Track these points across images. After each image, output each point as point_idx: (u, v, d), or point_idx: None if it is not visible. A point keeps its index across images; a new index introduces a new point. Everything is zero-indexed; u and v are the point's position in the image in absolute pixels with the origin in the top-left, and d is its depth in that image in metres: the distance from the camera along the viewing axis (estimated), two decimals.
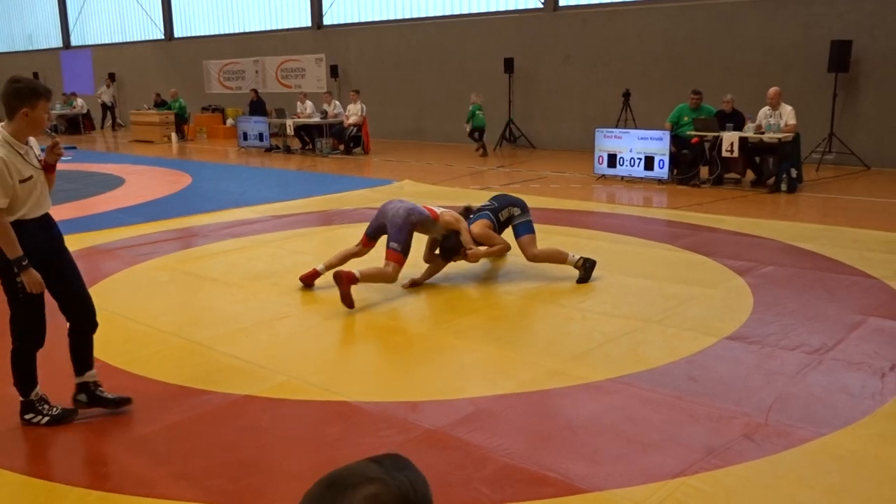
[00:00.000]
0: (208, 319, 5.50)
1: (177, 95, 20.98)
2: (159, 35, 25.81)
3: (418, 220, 5.98)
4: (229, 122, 21.70)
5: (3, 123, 3.51)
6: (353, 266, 5.81)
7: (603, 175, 12.19)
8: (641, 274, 6.44)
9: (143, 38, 26.49)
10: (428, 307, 5.61)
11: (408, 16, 19.27)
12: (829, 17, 12.88)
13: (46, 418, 3.78)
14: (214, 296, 6.07)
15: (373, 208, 9.53)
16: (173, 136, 20.05)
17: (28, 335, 3.71)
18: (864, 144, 12.60)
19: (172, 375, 4.37)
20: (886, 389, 4.03)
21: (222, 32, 23.94)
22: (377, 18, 19.90)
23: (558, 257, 6.24)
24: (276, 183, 12.32)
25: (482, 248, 6.17)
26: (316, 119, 16.73)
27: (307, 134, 17.01)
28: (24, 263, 3.50)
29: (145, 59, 25.94)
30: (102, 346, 4.81)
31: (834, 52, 12.35)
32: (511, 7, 17.41)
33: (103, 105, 24.49)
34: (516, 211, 6.37)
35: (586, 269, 6.15)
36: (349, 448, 3.49)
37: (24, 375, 3.75)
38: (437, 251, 6.22)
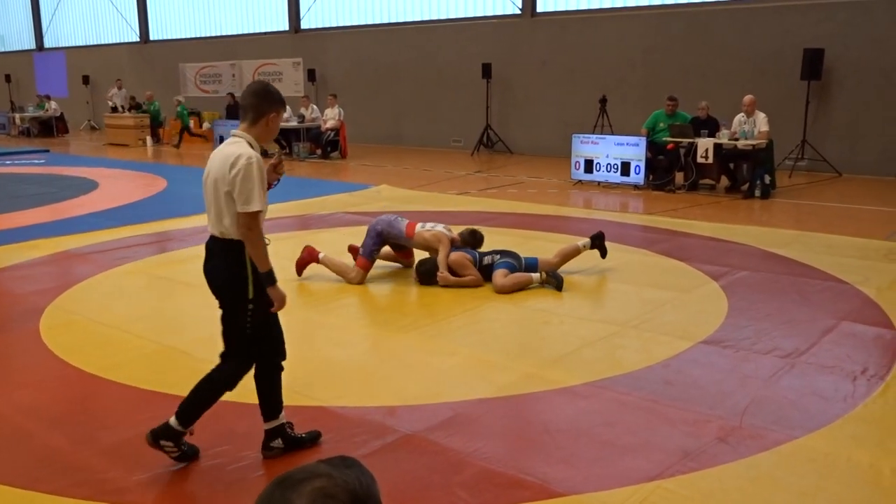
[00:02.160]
0: (184, 324, 5.45)
1: (152, 98, 20.80)
2: (134, 37, 25.60)
3: (385, 231, 6.22)
4: (206, 125, 21.54)
5: (242, 126, 3.29)
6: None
7: (580, 180, 12.26)
8: (618, 279, 6.49)
9: (117, 41, 26.26)
10: (405, 312, 5.60)
11: (386, 20, 19.28)
12: (802, 26, 13.07)
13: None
14: (190, 300, 6.02)
15: (350, 213, 9.53)
16: (148, 139, 19.87)
17: (273, 355, 3.42)
18: (836, 151, 12.79)
19: (148, 381, 4.33)
20: (858, 392, 4.09)
21: (199, 35, 23.79)
22: (355, 23, 19.88)
23: (524, 281, 6.19)
24: None
25: (452, 277, 6.15)
26: (293, 123, 16.66)
27: (284, 138, 16.92)
28: (275, 277, 3.25)
29: (120, 62, 25.70)
30: (76, 352, 4.77)
31: (807, 60, 12.53)
32: (489, 13, 17.48)
33: (114, 109, 22.66)
34: (497, 257, 6.31)
35: (556, 279, 6.15)
36: (325, 454, 3.46)
37: (273, 401, 3.45)
38: (415, 274, 6.29)
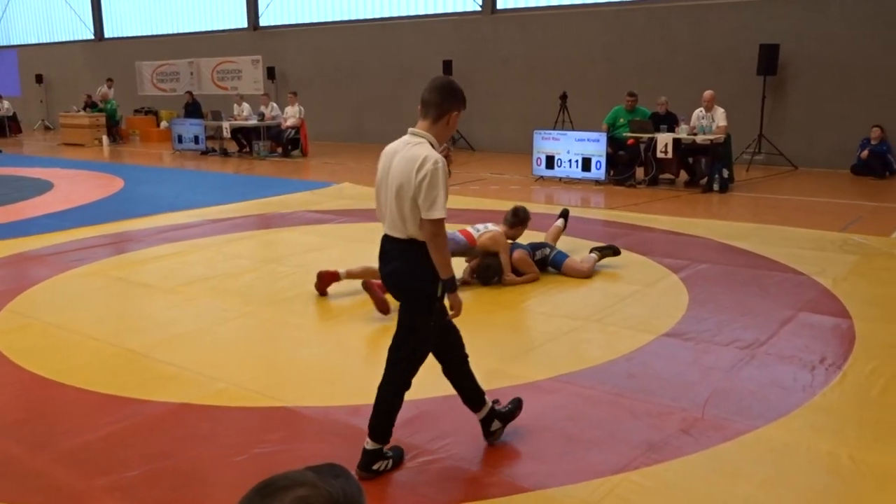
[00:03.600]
0: (143, 326, 5.35)
1: (108, 97, 20.41)
2: (89, 35, 25.10)
3: (455, 249, 5.84)
4: (163, 124, 21.22)
5: (423, 124, 3.18)
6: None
7: (541, 176, 12.31)
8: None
9: (71, 39, 25.72)
10: (366, 310, 5.57)
11: (346, 18, 19.16)
12: (757, 21, 13.28)
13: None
14: (149, 302, 5.92)
15: (312, 211, 9.46)
16: (104, 138, 19.50)
17: (457, 351, 3.43)
18: (792, 145, 13.03)
19: (106, 385, 4.24)
20: (816, 382, 4.16)
21: (155, 33, 23.41)
22: (315, 20, 19.73)
23: (594, 260, 6.54)
24: (213, 186, 12.08)
25: (517, 278, 6.22)
26: (253, 121, 16.49)
27: (244, 136, 16.75)
28: (456, 284, 3.23)
29: (74, 60, 25.19)
30: (31, 357, 4.65)
31: (763, 55, 12.75)
32: (449, 10, 17.46)
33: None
34: (548, 251, 6.54)
35: (612, 248, 6.70)
36: (290, 454, 3.43)
37: (473, 391, 3.44)
38: (475, 275, 6.24)
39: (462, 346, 3.47)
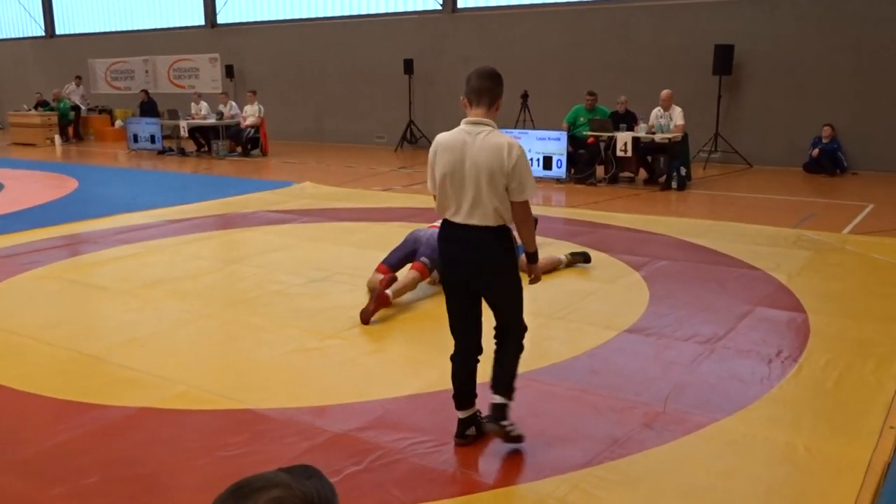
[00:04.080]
0: (100, 330, 5.25)
1: (60, 96, 19.97)
2: (39, 32, 24.51)
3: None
4: (118, 123, 20.83)
5: (479, 111, 3.31)
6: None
7: None
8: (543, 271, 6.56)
9: (21, 35, 25.09)
10: (329, 311, 5.54)
11: (305, 16, 19.01)
12: (712, 22, 13.50)
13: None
14: (106, 305, 5.81)
15: (273, 211, 9.37)
16: (57, 138, 19.09)
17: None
18: (747, 143, 13.27)
19: (62, 390, 4.15)
20: (773, 375, 4.25)
21: (109, 30, 22.96)
22: (274, 18, 19.54)
23: (555, 262, 6.58)
24: (171, 186, 11.90)
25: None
26: (211, 120, 16.27)
27: (202, 136, 16.51)
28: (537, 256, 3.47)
29: (24, 58, 24.57)
30: None
31: (718, 55, 12.96)
32: (410, 9, 17.44)
33: (74, 108, 20.34)
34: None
35: (583, 256, 6.74)
36: (254, 457, 3.40)
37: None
38: None
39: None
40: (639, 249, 7.22)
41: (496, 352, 3.47)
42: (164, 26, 21.62)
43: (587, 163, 11.69)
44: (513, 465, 3.31)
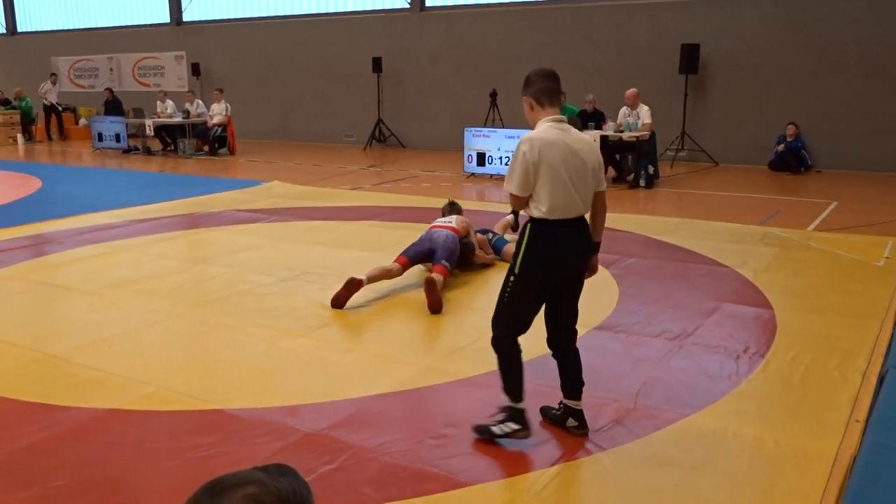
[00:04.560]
0: (66, 331, 5.16)
1: (22, 94, 19.59)
2: (1, 29, 24.03)
3: (455, 248, 6.22)
4: (82, 122, 20.50)
5: (553, 110, 3.41)
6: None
7: (473, 174, 12.39)
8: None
9: None
10: (300, 310, 5.50)
11: (272, 13, 18.87)
12: (678, 22, 13.66)
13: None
14: (72, 306, 5.71)
15: (241, 210, 9.29)
16: (19, 137, 18.73)
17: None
18: (713, 142, 13.45)
19: (28, 392, 4.07)
20: (741, 370, 4.31)
21: (72, 27, 22.58)
22: (240, 16, 19.37)
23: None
24: (137, 186, 11.74)
25: (486, 255, 6.73)
26: (178, 119, 16.08)
27: (168, 134, 16.33)
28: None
29: None
30: None
31: (684, 55, 13.11)
32: (378, 7, 17.38)
33: (49, 107, 19.57)
34: (490, 235, 7.04)
35: None
36: (225, 457, 3.36)
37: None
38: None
39: None
40: (608, 247, 7.19)
41: (576, 359, 3.63)
42: (129, 24, 21.32)
43: None
44: (485, 463, 3.32)
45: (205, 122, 15.93)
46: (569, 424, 3.56)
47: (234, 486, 1.05)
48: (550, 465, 3.27)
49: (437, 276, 5.65)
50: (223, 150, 15.95)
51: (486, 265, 6.70)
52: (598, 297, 5.70)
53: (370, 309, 5.54)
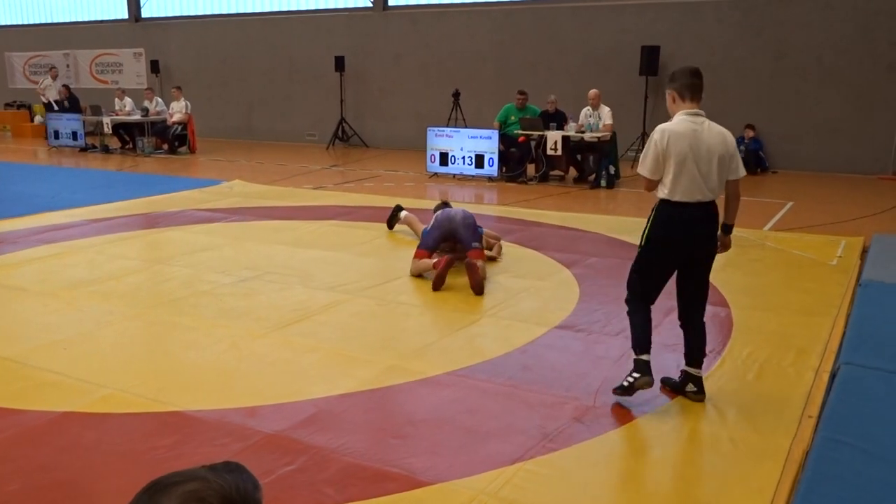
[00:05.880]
0: (18, 333, 5.05)
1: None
2: None
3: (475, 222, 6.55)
4: (37, 119, 20.08)
5: (696, 104, 3.83)
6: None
7: (436, 173, 12.40)
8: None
9: None
10: (260, 310, 5.46)
11: (233, 10, 18.67)
12: (639, 24, 13.82)
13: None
14: (25, 307, 5.59)
15: (201, 210, 9.17)
16: None
17: None
18: None
19: None
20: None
21: (27, 22, 22.10)
22: (200, 12, 19.13)
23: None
24: (94, 184, 11.53)
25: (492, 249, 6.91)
26: (136, 117, 15.82)
27: (127, 132, 16.06)
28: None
29: None
30: None
31: (644, 57, 13.28)
32: (340, 5, 17.30)
33: (50, 104, 17.66)
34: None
35: None
36: (183, 459, 3.32)
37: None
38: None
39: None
40: (569, 247, 7.34)
41: (700, 331, 4.02)
42: (86, 19, 20.93)
43: (518, 161, 11.82)
44: (446, 462, 3.32)
45: (164, 120, 15.70)
46: (688, 390, 3.96)
47: (175, 484, 1.04)
48: (511, 464, 3.28)
49: (478, 262, 5.98)
50: (183, 149, 15.74)
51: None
52: (558, 297, 5.76)
53: (334, 309, 5.51)
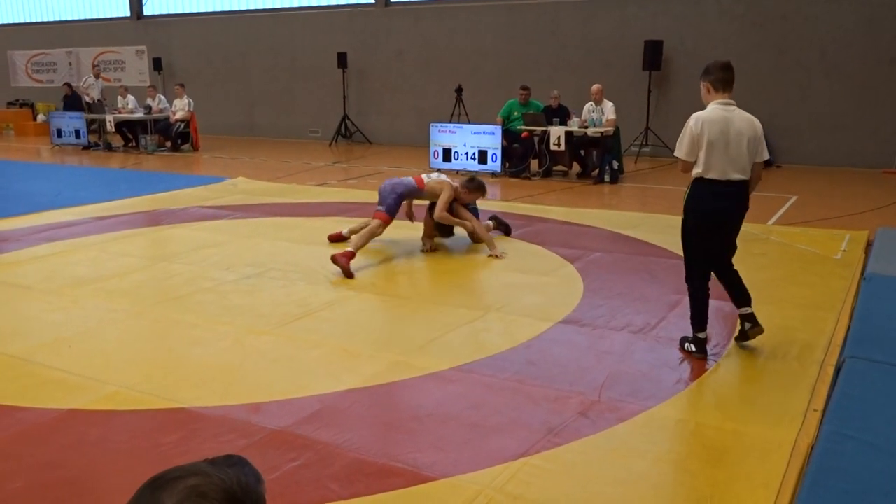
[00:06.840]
0: (24, 330, 5.06)
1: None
2: None
3: (405, 191, 6.81)
4: (41, 118, 20.10)
5: (728, 95, 4.26)
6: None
7: (439, 169, 12.37)
8: (479, 265, 6.61)
9: None
10: (264, 307, 5.46)
11: (235, 7, 18.67)
12: (641, 18, 13.78)
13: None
14: (30, 305, 5.59)
15: (205, 207, 9.18)
16: None
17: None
18: (676, 138, 13.52)
19: None
20: (702, 362, 4.37)
21: (29, 21, 22.12)
22: (203, 10, 19.13)
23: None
24: (97, 182, 11.54)
25: (450, 216, 6.94)
26: (139, 114, 15.83)
27: (130, 130, 16.07)
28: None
29: None
30: None
31: (647, 51, 13.24)
32: (343, 2, 17.29)
33: (92, 104, 16.78)
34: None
35: (504, 226, 7.66)
36: (188, 456, 3.32)
37: (741, 288, 4.54)
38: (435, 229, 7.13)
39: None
40: (573, 242, 7.33)
41: (734, 278, 4.51)
42: (88, 17, 20.94)
43: (521, 157, 11.80)
44: (451, 457, 3.32)
45: (167, 118, 15.71)
46: (746, 329, 4.46)
47: (176, 479, 1.04)
48: (516, 459, 3.28)
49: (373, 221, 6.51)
50: (186, 147, 15.75)
51: (448, 233, 7.29)
52: (563, 292, 5.75)
53: (338, 305, 5.51)
